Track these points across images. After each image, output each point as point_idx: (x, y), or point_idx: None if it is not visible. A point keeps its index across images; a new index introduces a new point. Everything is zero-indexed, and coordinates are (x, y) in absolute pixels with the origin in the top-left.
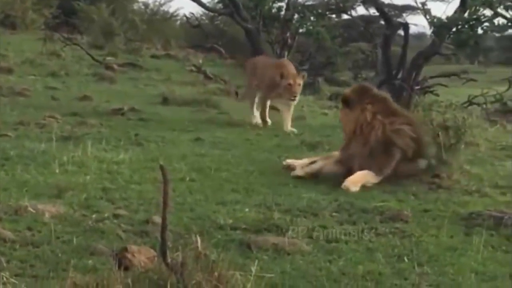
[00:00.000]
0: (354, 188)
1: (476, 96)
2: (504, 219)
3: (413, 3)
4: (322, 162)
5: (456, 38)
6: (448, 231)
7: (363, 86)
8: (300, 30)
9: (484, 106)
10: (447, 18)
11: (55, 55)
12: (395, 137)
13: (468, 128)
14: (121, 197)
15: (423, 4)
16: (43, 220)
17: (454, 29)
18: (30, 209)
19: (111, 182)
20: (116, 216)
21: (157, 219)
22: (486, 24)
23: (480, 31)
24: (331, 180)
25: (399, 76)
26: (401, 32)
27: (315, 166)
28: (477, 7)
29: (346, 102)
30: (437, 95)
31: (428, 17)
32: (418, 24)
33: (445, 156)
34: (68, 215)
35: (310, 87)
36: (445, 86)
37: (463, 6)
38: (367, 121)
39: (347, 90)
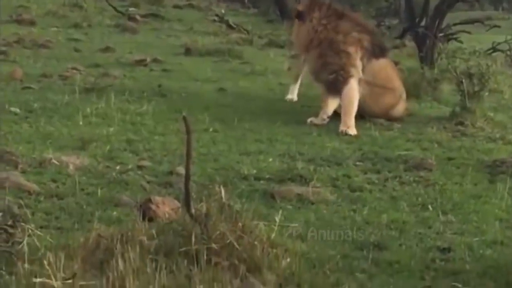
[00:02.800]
0: (351, 131)
1: (500, 43)
2: None
3: None
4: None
5: None
6: (472, 178)
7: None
8: None
9: (508, 53)
10: None
11: (78, 7)
12: (338, 35)
13: (492, 75)
14: (145, 149)
15: None
16: (67, 172)
17: None
18: (54, 161)
19: (134, 133)
20: (140, 167)
21: (181, 170)
22: None
23: None
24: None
25: (423, 23)
26: None
27: (325, 109)
28: None
29: (299, 15)
30: (461, 42)
31: None
32: None
33: (469, 104)
34: (92, 167)
35: None
36: (469, 33)
37: None
38: (315, 30)
39: (298, 5)
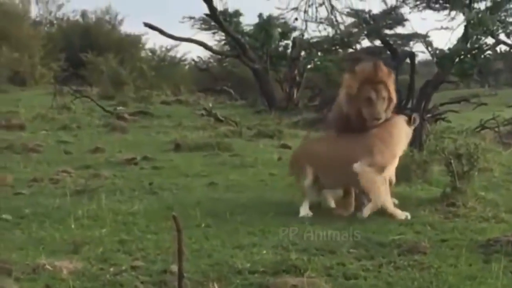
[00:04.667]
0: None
1: (487, 120)
2: None
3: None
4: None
5: (459, 68)
6: (467, 259)
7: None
8: (308, 66)
9: (496, 129)
10: (449, 49)
11: (66, 109)
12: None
13: (481, 153)
14: (138, 248)
15: (425, 36)
16: (61, 276)
17: (457, 59)
18: (47, 266)
19: (127, 233)
20: (133, 268)
21: (175, 268)
22: (489, 52)
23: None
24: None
25: (409, 105)
26: (409, 60)
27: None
28: (478, 36)
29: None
30: (449, 121)
31: (430, 49)
32: (425, 51)
33: (459, 184)
34: (86, 270)
35: (321, 122)
36: (456, 112)
37: (465, 35)
38: None
39: (370, 68)
